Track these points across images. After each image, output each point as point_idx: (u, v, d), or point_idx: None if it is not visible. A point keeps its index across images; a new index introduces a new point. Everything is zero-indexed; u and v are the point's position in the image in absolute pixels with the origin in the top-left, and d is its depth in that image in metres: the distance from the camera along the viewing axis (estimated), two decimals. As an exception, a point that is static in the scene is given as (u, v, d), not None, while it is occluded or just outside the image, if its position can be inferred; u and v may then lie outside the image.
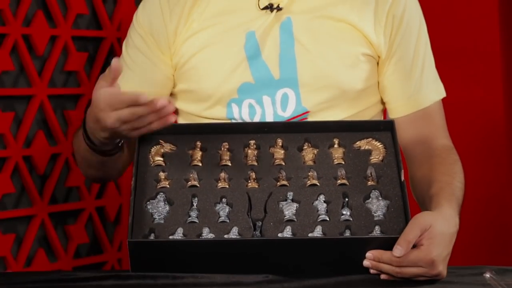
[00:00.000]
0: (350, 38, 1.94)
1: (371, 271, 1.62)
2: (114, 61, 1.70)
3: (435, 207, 1.72)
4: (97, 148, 1.83)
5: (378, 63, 1.98)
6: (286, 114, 1.93)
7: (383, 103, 2.03)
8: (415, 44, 1.98)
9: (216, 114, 1.96)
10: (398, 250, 1.58)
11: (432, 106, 1.99)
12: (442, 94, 2.02)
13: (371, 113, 2.00)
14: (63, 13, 2.65)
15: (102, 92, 1.69)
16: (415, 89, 1.98)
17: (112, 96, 1.68)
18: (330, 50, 1.93)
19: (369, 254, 1.60)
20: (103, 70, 2.75)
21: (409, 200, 1.70)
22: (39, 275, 1.76)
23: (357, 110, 1.97)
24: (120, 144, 1.82)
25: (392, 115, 2.00)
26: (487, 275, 1.63)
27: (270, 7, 1.94)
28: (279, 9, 1.94)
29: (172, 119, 1.67)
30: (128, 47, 2.03)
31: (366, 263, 1.61)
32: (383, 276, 1.61)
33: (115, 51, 2.76)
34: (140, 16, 2.01)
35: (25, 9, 2.54)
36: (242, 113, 1.95)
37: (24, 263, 2.53)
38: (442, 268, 1.62)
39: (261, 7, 1.94)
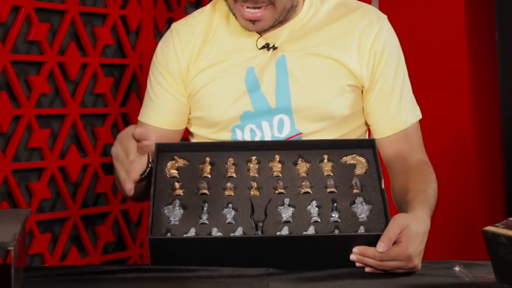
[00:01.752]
0: (337, 72, 1.93)
1: (357, 264, 1.61)
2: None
3: (410, 210, 1.72)
4: None
5: (362, 92, 1.97)
6: (282, 135, 1.93)
7: (367, 125, 2.02)
8: (394, 74, 1.97)
9: (222, 137, 1.96)
10: (381, 246, 1.58)
11: (410, 128, 1.98)
12: (419, 116, 2.01)
13: (356, 134, 1.99)
14: (92, 44, 2.66)
15: (127, 129, 1.70)
16: (394, 114, 1.96)
17: (125, 132, 1.69)
18: (319, 83, 1.92)
19: (355, 249, 1.60)
20: (127, 92, 2.77)
21: (389, 205, 1.69)
22: (71, 268, 1.76)
23: (344, 132, 1.96)
24: (143, 176, 1.78)
25: (375, 135, 1.98)
26: (457, 268, 1.61)
27: (267, 47, 1.94)
28: (274, 48, 1.94)
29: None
30: (151, 83, 2.03)
31: (352, 257, 1.61)
32: (367, 269, 1.61)
33: (137, 76, 2.78)
34: (159, 56, 2.01)
35: (60, 40, 2.55)
36: (245, 136, 1.95)
37: (59, 259, 2.54)
38: (417, 262, 1.62)
39: (259, 47, 1.94)
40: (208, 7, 2.04)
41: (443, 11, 3.34)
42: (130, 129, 1.67)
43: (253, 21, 1.89)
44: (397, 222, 1.62)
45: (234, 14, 1.92)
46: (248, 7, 1.87)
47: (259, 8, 1.87)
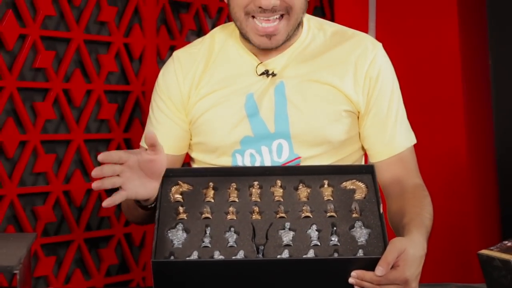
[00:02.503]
0: (334, 98, 1.94)
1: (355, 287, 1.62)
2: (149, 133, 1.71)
3: (406, 234, 1.72)
4: (139, 204, 1.82)
5: (358, 117, 1.98)
6: (281, 160, 1.94)
7: (363, 149, 2.03)
8: (388, 100, 1.98)
9: (223, 162, 1.97)
10: (380, 270, 1.58)
11: (405, 152, 1.99)
12: (413, 141, 2.02)
13: (353, 158, 2.00)
14: (97, 71, 2.67)
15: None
16: (390, 138, 1.98)
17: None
18: (317, 108, 1.93)
19: (353, 273, 1.60)
20: (130, 118, 2.78)
21: (387, 229, 1.70)
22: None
23: (341, 156, 1.97)
24: (152, 205, 1.81)
25: (372, 159, 2.00)
26: (453, 291, 1.64)
27: (266, 73, 1.95)
28: (273, 74, 1.95)
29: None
30: (153, 109, 2.04)
31: (351, 280, 1.61)
32: None
33: (140, 102, 2.78)
34: (160, 83, 2.03)
35: (65, 68, 2.56)
36: (245, 161, 1.96)
37: (63, 282, 2.53)
38: (414, 286, 1.62)
39: (259, 73, 1.95)
40: (207, 36, 2.06)
41: (438, 39, 3.35)
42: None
43: (269, 37, 1.89)
44: (395, 246, 1.62)
45: (244, 35, 1.92)
46: (263, 19, 1.87)
47: (273, 21, 1.87)
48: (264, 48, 1.93)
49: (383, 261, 1.60)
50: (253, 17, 1.90)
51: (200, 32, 3.04)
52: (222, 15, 3.12)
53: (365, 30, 3.33)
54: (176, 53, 2.06)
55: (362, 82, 1.96)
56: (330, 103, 1.94)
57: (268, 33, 1.89)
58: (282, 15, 1.89)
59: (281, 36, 1.90)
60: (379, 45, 2.02)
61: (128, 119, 2.77)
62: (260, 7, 1.86)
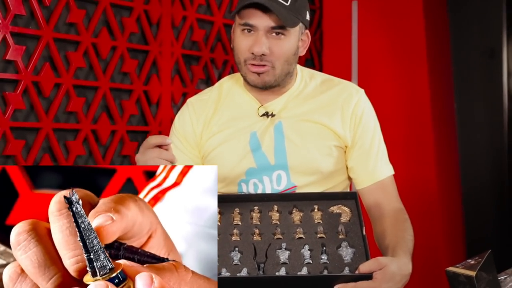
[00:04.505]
0: (324, 135, 1.95)
1: None
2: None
3: (394, 256, 1.71)
4: None
5: (345, 151, 1.98)
6: (280, 188, 1.93)
7: (349, 179, 2.02)
8: (371, 136, 1.98)
9: (230, 190, 1.97)
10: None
11: (386, 180, 1.98)
12: (392, 171, 2.01)
13: (341, 187, 2.00)
14: (120, 114, 2.69)
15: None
16: (372, 168, 1.98)
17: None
18: (310, 144, 1.93)
19: (336, 287, 1.57)
20: (148, 154, 2.78)
21: (371, 248, 1.68)
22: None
23: (331, 185, 1.97)
24: None
25: (357, 186, 1.99)
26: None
27: (266, 114, 1.96)
28: (273, 115, 1.95)
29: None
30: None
31: None
32: None
33: (157, 141, 2.79)
34: (177, 126, 2.03)
35: (93, 111, 2.58)
36: (249, 189, 1.95)
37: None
38: None
39: (260, 114, 1.96)
40: (216, 85, 2.08)
41: (411, 86, 3.37)
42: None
43: (258, 74, 1.91)
44: (376, 260, 1.61)
45: (243, 75, 1.94)
46: (254, 64, 1.89)
47: (262, 66, 1.89)
48: (255, 86, 1.94)
49: (360, 268, 1.59)
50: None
51: (209, 80, 3.06)
52: (227, 66, 3.14)
53: (348, 78, 3.36)
54: (190, 100, 2.07)
55: (348, 120, 1.97)
56: (321, 139, 1.95)
57: (258, 71, 1.91)
58: (270, 66, 1.91)
59: (267, 77, 1.91)
60: (362, 90, 2.03)
61: (147, 155, 2.76)
62: (252, 53, 1.88)
